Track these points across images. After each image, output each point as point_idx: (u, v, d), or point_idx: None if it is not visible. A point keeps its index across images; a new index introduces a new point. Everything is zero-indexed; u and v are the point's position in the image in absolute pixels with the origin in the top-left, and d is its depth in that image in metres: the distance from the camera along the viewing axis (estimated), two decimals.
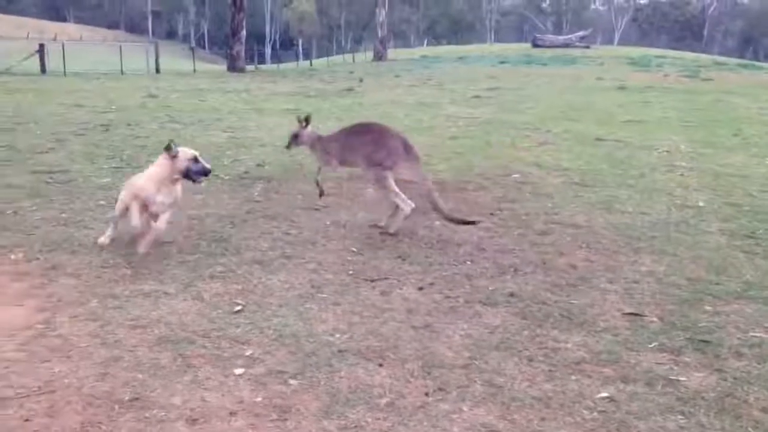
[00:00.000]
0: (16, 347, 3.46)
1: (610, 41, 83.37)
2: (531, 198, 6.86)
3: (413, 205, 5.54)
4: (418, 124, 12.32)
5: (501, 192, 7.07)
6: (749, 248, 5.42)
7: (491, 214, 6.22)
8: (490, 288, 4.44)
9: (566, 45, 44.90)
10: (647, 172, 8.32)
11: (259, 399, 3.05)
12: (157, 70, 27.73)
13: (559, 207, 6.51)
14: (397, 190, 5.54)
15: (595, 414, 2.98)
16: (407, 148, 5.57)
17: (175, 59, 42.78)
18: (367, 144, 5.55)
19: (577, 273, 4.75)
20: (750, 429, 2.89)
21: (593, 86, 21.11)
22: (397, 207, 5.54)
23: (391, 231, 5.53)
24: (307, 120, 5.79)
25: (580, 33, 51.41)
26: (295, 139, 5.83)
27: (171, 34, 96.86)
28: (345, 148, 5.71)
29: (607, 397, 3.12)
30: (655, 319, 4.01)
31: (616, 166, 8.58)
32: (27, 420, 2.84)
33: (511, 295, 4.32)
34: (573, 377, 3.30)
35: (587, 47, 45.15)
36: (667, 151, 9.80)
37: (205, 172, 4.92)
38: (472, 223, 5.55)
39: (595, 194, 7.06)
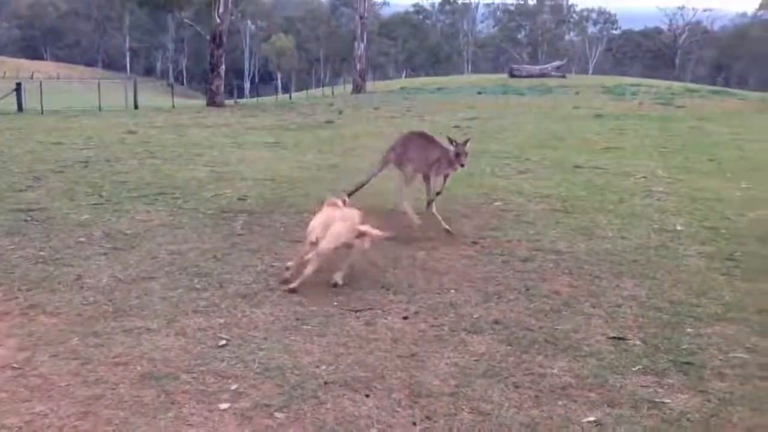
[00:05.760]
0: None
1: (584, 71, 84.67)
2: (513, 225, 6.91)
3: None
4: None
5: (483, 220, 7.12)
6: (728, 270, 5.49)
7: (474, 242, 6.25)
8: (474, 316, 4.45)
9: (542, 75, 45.52)
10: (626, 197, 8.42)
11: None
12: (136, 107, 27.67)
13: (541, 234, 6.56)
14: None
15: None
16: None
17: (153, 95, 42.76)
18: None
19: (561, 299, 4.78)
20: None
21: (570, 115, 21.38)
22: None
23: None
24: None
25: (556, 63, 52.20)
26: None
27: (149, 71, 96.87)
28: None
29: (594, 421, 3.13)
30: (638, 342, 4.04)
31: (596, 193, 8.68)
32: None
33: (496, 322, 4.34)
34: (559, 402, 3.31)
35: (563, 77, 45.82)
36: (645, 177, 9.93)
37: None
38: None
39: (575, 220, 7.12)
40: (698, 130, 17.06)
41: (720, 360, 3.79)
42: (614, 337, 4.10)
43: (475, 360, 3.79)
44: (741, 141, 14.84)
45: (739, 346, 3.99)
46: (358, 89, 42.07)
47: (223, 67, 30.55)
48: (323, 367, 3.68)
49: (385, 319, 4.40)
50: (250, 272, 5.30)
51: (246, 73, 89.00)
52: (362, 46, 43.15)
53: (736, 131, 16.66)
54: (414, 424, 3.11)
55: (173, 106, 29.16)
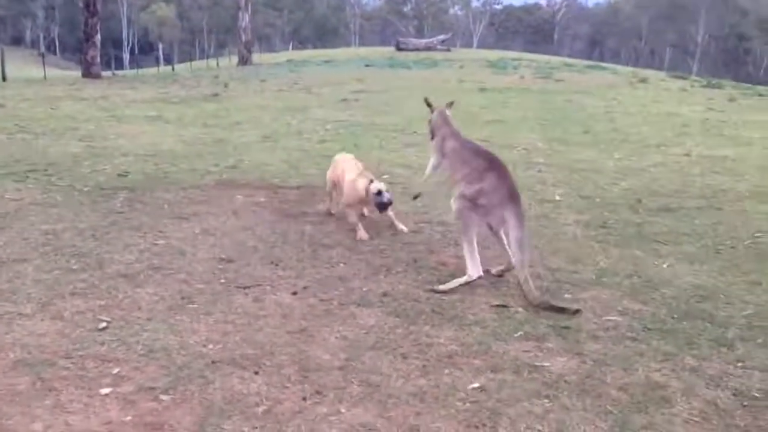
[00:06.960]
0: None
1: (469, 44, 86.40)
2: (400, 198, 6.97)
3: (481, 274, 4.57)
4: (286, 128, 12.24)
5: None
6: (602, 237, 5.80)
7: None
8: (363, 289, 4.48)
9: (428, 48, 45.98)
10: (509, 169, 8.67)
11: (129, 418, 2.92)
12: (3, 78, 25.80)
13: (428, 206, 6.67)
14: (474, 247, 4.60)
15: (468, 404, 3.09)
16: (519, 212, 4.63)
17: (22, 65, 40.13)
18: (483, 170, 4.89)
19: (447, 270, 4.89)
20: (609, 407, 3.09)
21: (456, 88, 21.76)
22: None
23: (441, 289, 4.48)
24: (427, 104, 5.74)
25: (441, 36, 52.84)
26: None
27: (18, 40, 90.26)
28: (462, 152, 5.01)
29: (479, 387, 3.23)
30: (520, 309, 4.20)
31: None
32: None
33: (385, 294, 4.39)
34: (446, 371, 3.40)
35: (448, 50, 46.50)
36: (526, 149, 10.30)
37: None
38: (573, 311, 4.15)
39: None
40: (575, 104, 17.80)
41: (594, 323, 4.01)
42: (497, 305, 4.24)
43: (365, 333, 3.83)
44: (614, 114, 15.62)
45: (612, 309, 4.23)
46: (243, 61, 41.04)
47: (99, 36, 28.83)
48: (210, 346, 3.60)
49: (274, 295, 4.36)
50: (131, 251, 5.10)
51: (125, 43, 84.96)
52: (247, 16, 42.04)
53: (609, 104, 17.52)
54: (304, 399, 3.11)
55: (45, 78, 27.44)
